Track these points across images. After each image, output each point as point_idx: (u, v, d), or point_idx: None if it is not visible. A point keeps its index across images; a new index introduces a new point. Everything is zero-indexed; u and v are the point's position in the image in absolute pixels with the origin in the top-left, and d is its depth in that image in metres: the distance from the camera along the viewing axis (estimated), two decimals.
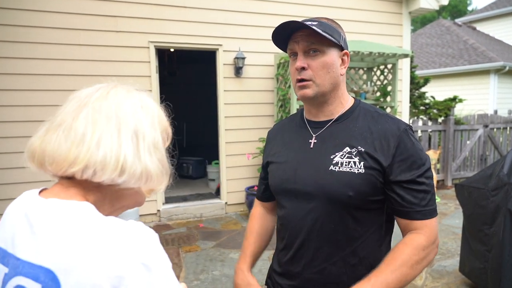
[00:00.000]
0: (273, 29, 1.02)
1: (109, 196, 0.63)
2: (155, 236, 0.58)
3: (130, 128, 0.60)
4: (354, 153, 0.99)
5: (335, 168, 0.99)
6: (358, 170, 0.97)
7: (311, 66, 1.01)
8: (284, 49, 1.09)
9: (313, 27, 0.96)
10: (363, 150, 0.98)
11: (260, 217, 1.29)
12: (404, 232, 1.01)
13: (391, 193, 0.98)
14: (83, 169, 0.57)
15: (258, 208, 1.32)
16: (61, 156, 0.58)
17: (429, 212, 0.97)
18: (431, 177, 1.00)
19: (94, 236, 0.53)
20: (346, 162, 0.98)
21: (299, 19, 1.00)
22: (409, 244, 0.95)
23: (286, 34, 1.04)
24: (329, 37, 0.98)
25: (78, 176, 0.59)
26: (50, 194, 0.60)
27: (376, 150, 0.97)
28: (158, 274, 0.54)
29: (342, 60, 1.05)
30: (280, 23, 0.99)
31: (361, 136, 1.00)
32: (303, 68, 1.01)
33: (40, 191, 0.63)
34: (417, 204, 0.96)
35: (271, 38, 1.06)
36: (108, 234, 0.54)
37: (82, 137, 0.58)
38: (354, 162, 0.98)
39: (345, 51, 1.05)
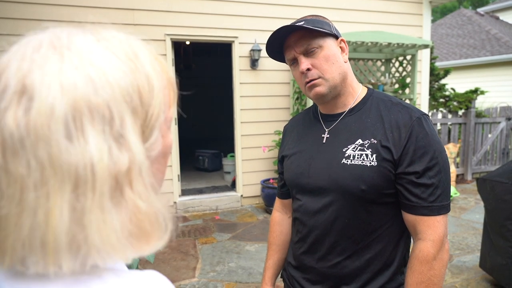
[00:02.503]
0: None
1: None
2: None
3: (65, 172, 0.28)
4: (366, 145, 0.96)
5: (347, 161, 0.97)
6: (370, 163, 0.94)
7: (315, 64, 0.99)
8: (282, 61, 1.08)
9: (303, 25, 0.95)
10: (375, 141, 0.95)
11: (278, 223, 1.28)
12: (410, 230, 0.98)
13: (399, 186, 0.94)
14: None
15: (277, 212, 1.30)
16: None
17: (437, 208, 0.91)
18: (445, 171, 0.93)
19: None
20: (358, 155, 0.96)
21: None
22: (422, 261, 0.92)
23: (278, 45, 1.03)
24: (321, 29, 0.97)
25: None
26: None
27: (388, 141, 0.94)
28: None
29: (341, 48, 1.03)
30: (270, 35, 0.99)
31: (374, 127, 0.98)
32: (308, 70, 0.99)
33: None
34: (424, 199, 0.91)
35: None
36: None
37: None
38: (366, 155, 0.95)
39: (341, 38, 1.03)
